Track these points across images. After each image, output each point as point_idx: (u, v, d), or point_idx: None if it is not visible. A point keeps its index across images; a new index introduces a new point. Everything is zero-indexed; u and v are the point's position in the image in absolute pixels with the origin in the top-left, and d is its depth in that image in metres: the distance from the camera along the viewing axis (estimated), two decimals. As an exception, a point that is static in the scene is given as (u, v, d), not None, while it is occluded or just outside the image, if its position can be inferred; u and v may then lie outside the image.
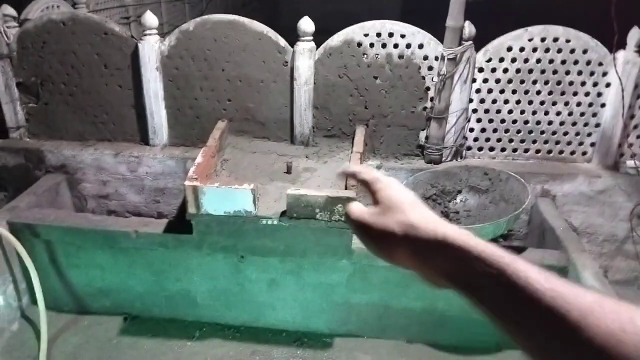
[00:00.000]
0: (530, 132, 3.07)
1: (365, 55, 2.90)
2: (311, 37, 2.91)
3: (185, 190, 2.31)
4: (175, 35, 2.97)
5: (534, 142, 3.10)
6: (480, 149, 3.15)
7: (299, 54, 2.89)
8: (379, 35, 2.85)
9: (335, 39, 2.90)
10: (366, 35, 2.86)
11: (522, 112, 3.02)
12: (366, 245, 0.64)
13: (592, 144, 3.09)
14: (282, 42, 2.92)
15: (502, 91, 2.98)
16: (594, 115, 3.01)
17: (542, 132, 3.07)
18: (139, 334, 2.68)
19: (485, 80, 2.96)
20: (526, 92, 2.96)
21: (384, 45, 2.87)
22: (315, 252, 2.47)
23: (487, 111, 3.04)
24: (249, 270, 2.60)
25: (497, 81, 2.95)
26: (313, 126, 3.09)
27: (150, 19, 2.97)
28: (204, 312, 2.76)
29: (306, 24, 2.87)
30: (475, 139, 3.13)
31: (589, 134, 3.07)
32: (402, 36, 2.85)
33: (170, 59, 3.01)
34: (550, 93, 2.96)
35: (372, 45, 2.87)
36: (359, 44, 2.88)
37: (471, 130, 3.10)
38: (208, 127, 2.99)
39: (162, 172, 3.18)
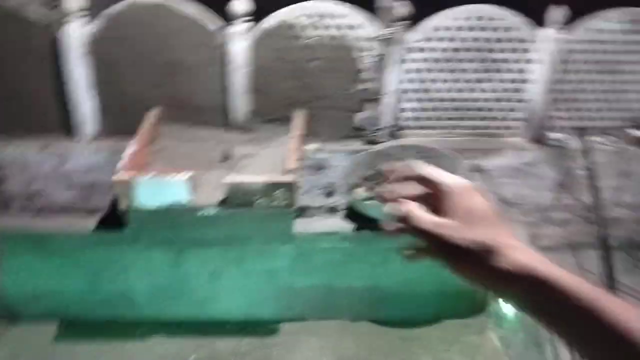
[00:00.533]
0: (459, 109, 3.17)
1: (300, 38, 2.86)
2: (245, 19, 2.83)
3: (114, 184, 2.20)
4: (100, 20, 2.80)
5: (464, 119, 3.21)
6: (414, 128, 3.23)
7: (232, 37, 2.82)
8: (312, 16, 2.82)
9: (269, 21, 2.84)
10: (300, 16, 2.82)
11: (451, 90, 3.11)
12: (433, 257, 0.58)
13: (519, 119, 3.25)
14: (215, 24, 2.83)
15: (430, 70, 3.04)
16: (519, 91, 3.16)
17: (470, 110, 3.18)
18: (76, 339, 2.55)
19: (416, 60, 3.01)
20: (454, 70, 3.05)
21: (317, 27, 2.85)
22: (257, 240, 2.44)
23: (417, 91, 3.11)
24: (189, 263, 2.54)
25: (426, 60, 3.01)
26: (251, 111, 3.03)
27: (73, 2, 2.78)
28: (143, 310, 2.67)
29: (239, 5, 2.79)
30: (410, 119, 3.20)
31: (515, 110, 3.22)
32: (336, 17, 2.83)
33: (96, 45, 2.84)
34: (476, 71, 3.06)
35: (306, 26, 2.84)
36: (293, 26, 2.84)
37: (405, 110, 3.16)
38: (139, 116, 2.85)
39: (91, 166, 3.02)
